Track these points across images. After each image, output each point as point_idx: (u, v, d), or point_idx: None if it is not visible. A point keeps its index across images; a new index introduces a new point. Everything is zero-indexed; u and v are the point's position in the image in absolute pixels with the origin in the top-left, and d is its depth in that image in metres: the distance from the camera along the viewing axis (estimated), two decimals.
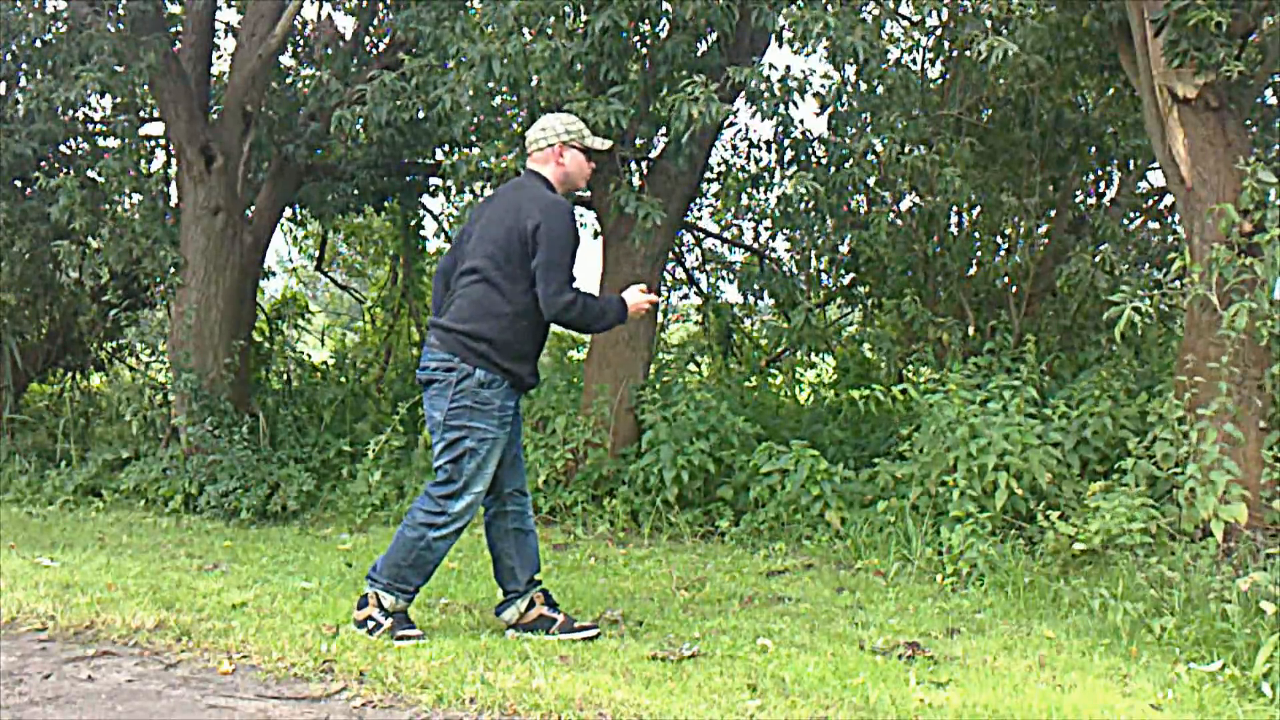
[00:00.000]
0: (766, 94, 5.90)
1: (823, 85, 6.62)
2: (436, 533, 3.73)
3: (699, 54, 6.34)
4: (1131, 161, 6.88)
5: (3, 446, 7.87)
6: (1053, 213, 7.00)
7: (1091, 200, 7.32)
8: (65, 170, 7.99)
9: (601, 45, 5.82)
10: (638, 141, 6.66)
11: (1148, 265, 6.94)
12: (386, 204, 9.50)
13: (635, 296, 3.88)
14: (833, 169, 6.70)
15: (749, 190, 8.16)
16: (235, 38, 8.02)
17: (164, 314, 8.14)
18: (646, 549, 5.67)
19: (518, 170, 6.70)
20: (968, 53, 5.94)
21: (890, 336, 7.39)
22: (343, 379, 9.06)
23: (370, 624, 3.77)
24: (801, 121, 6.35)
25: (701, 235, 9.81)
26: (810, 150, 6.95)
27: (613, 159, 6.45)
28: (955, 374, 5.62)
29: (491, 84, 5.84)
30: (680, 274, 9.86)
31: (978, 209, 7.23)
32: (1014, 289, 6.87)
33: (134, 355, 9.23)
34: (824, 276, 8.05)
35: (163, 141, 8.34)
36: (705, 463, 6.10)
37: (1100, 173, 7.18)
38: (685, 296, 10.32)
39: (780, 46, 6.15)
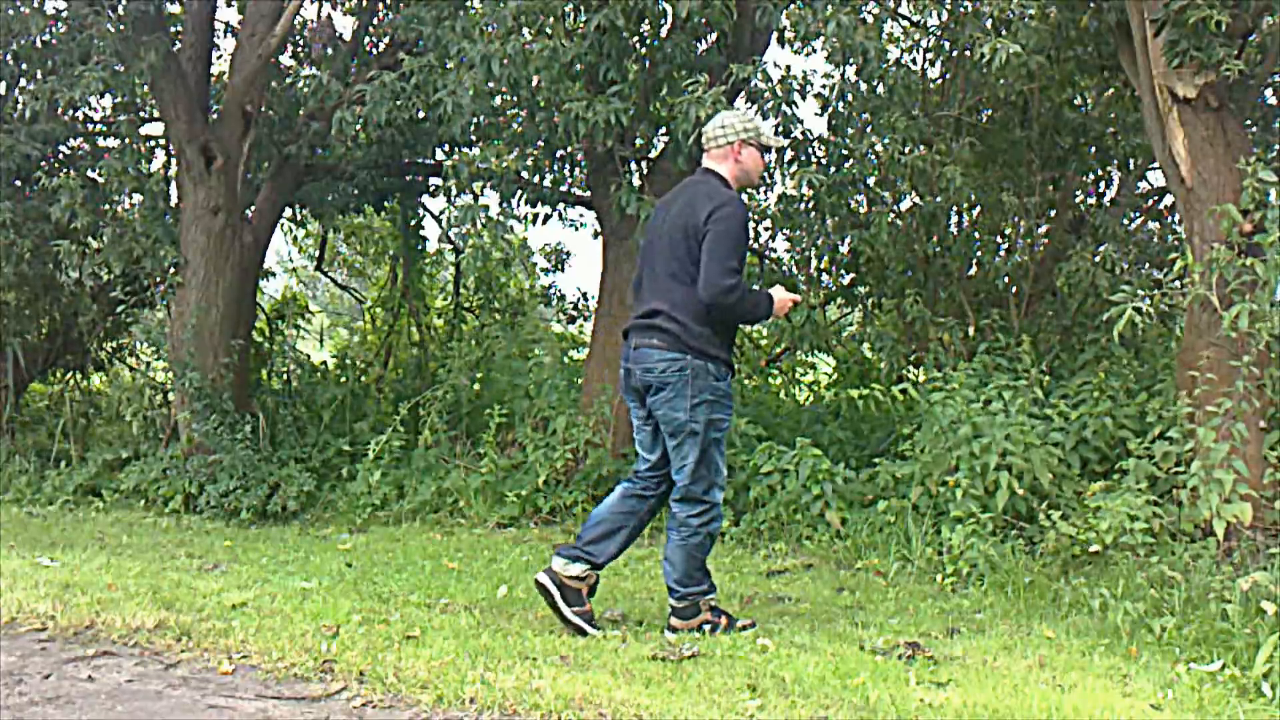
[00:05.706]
0: (768, 93, 5.90)
1: (823, 85, 6.62)
2: (713, 526, 3.92)
3: (698, 53, 6.34)
4: (1131, 161, 6.88)
5: (3, 446, 7.86)
6: (1053, 213, 6.99)
7: (1091, 200, 7.32)
8: (66, 170, 7.98)
9: (600, 45, 5.82)
10: (637, 141, 6.66)
11: (1148, 265, 6.93)
12: (386, 204, 9.50)
13: (782, 294, 4.03)
14: (833, 169, 6.70)
15: (749, 190, 8.12)
16: (235, 38, 8.01)
17: (164, 314, 8.13)
18: (646, 549, 5.66)
19: (518, 172, 6.70)
20: (968, 53, 5.95)
21: (891, 336, 7.39)
22: (343, 379, 9.05)
23: (708, 626, 3.92)
24: (802, 121, 6.35)
25: None
26: (810, 150, 6.95)
27: (613, 159, 6.45)
28: (959, 372, 5.62)
29: (491, 84, 5.84)
30: None
31: (978, 209, 7.23)
32: (1014, 289, 6.87)
33: (134, 355, 9.23)
34: (824, 276, 8.04)
35: (163, 141, 8.34)
36: None
37: (1100, 173, 7.18)
38: None
39: (782, 46, 6.15)
